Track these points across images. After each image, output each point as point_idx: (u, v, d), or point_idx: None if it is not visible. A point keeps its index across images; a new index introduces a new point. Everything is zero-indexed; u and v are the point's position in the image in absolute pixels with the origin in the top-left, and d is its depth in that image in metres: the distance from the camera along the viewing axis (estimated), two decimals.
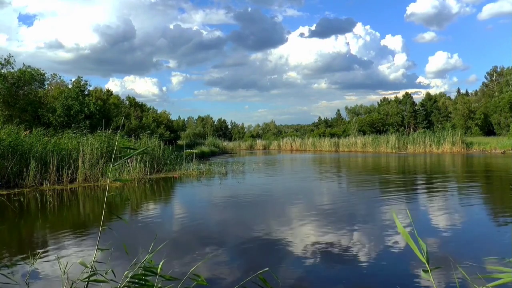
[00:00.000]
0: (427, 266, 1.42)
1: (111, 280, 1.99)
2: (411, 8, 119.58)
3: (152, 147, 19.96)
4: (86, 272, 2.02)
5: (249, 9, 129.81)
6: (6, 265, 5.38)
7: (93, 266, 1.94)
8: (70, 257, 5.54)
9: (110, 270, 2.08)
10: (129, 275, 1.89)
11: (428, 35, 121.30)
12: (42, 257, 5.65)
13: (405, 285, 4.63)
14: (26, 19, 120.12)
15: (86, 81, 27.77)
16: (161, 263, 2.02)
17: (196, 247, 6.30)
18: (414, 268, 5.10)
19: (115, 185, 14.27)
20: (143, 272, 1.89)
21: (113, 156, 2.57)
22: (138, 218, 8.88)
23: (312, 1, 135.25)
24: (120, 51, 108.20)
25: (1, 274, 3.78)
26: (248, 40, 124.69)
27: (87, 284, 1.93)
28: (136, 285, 1.87)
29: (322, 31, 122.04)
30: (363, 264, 5.30)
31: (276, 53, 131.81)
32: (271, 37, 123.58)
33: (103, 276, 1.96)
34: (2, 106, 22.33)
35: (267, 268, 2.15)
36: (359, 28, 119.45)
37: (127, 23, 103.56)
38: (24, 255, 5.75)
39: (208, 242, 6.55)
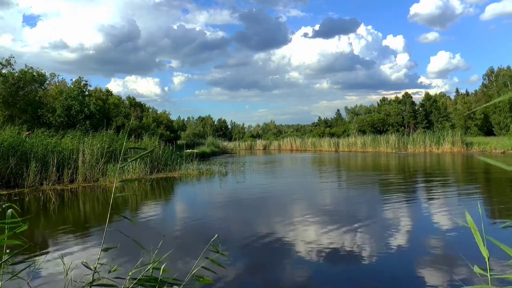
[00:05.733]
0: (486, 261, 1.46)
1: (116, 278, 2.00)
2: (414, 9, 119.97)
3: (153, 147, 19.97)
4: (89, 274, 2.03)
5: (254, 9, 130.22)
6: (8, 265, 5.38)
7: (96, 268, 1.95)
8: (73, 257, 5.56)
9: (114, 270, 2.08)
10: (135, 277, 1.90)
11: (431, 35, 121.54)
12: (45, 257, 5.66)
13: (407, 284, 4.64)
14: (30, 20, 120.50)
15: (86, 81, 27.85)
16: (162, 267, 2.03)
17: (199, 248, 6.31)
18: (417, 268, 5.11)
19: (115, 185, 14.27)
20: (150, 274, 1.90)
21: (121, 156, 2.60)
22: (139, 218, 8.89)
23: (316, 2, 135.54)
24: (123, 51, 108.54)
25: (3, 274, 3.79)
26: (252, 41, 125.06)
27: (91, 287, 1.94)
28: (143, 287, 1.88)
29: (326, 32, 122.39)
30: (366, 264, 5.31)
31: (279, 53, 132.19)
32: (275, 38, 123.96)
33: (109, 279, 1.96)
34: (2, 106, 22.35)
35: (217, 235, 2.22)
36: (361, 28, 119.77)
37: (132, 23, 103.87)
38: (26, 255, 5.75)
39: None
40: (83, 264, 1.95)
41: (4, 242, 1.51)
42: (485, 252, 1.47)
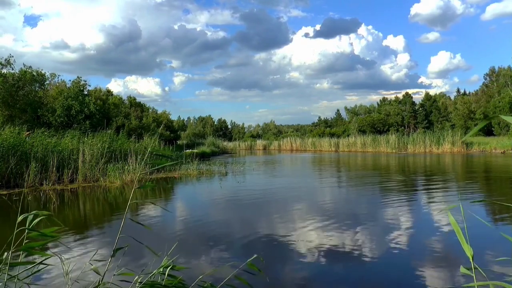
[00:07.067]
0: (471, 262, 1.46)
1: (121, 281, 1.98)
2: (415, 9, 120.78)
3: (152, 148, 20.00)
4: (88, 272, 2.00)
5: (255, 9, 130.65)
6: (7, 265, 5.35)
7: (105, 273, 1.93)
8: (74, 258, 5.53)
9: (121, 274, 2.07)
10: (140, 280, 1.88)
11: (432, 35, 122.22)
12: (45, 258, 5.62)
13: (408, 284, 4.62)
14: (31, 20, 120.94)
15: (85, 81, 27.83)
16: (166, 272, 2.01)
17: (201, 248, 6.30)
18: (418, 268, 5.09)
19: (115, 185, 14.25)
20: (155, 278, 1.88)
21: (145, 159, 2.58)
22: (140, 219, 8.87)
23: (317, 2, 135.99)
24: (124, 51, 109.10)
25: (2, 274, 3.76)
26: (252, 41, 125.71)
27: None
28: None
29: (327, 32, 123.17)
30: (367, 264, 5.29)
31: (279, 53, 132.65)
32: (276, 38, 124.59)
33: (113, 283, 1.94)
34: (2, 107, 22.32)
35: (256, 255, 2.19)
36: (362, 28, 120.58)
37: (133, 23, 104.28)
38: (26, 255, 5.72)
39: (212, 243, 6.54)
40: (93, 270, 1.92)
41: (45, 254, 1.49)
42: (468, 251, 1.47)
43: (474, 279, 1.53)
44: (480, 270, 1.51)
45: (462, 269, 1.63)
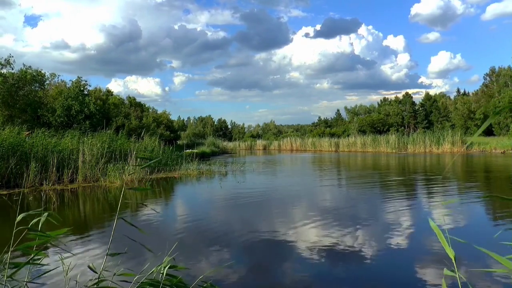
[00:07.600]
0: (454, 264, 1.47)
1: (121, 281, 1.98)
2: (415, 9, 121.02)
3: (152, 147, 20.02)
4: (89, 274, 2.00)
5: (255, 9, 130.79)
6: (7, 265, 5.34)
7: (101, 272, 1.93)
8: (74, 258, 5.53)
9: (120, 274, 2.06)
10: (139, 280, 1.88)
11: (432, 35, 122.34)
12: (44, 258, 5.62)
13: (408, 284, 4.62)
14: (31, 20, 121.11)
15: (86, 81, 27.84)
16: (165, 271, 2.01)
17: (201, 249, 6.30)
18: (417, 268, 5.09)
19: (115, 185, 14.25)
20: (153, 277, 1.88)
21: (131, 160, 2.59)
22: (140, 219, 8.87)
23: (318, 2, 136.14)
24: (124, 51, 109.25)
25: (2, 274, 3.75)
26: (253, 41, 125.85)
27: None
28: None
29: (327, 32, 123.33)
30: (367, 264, 5.29)
31: (280, 53, 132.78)
32: (276, 38, 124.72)
33: (113, 282, 1.94)
34: (1, 107, 22.32)
35: None
36: (362, 28, 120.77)
37: (133, 23, 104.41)
38: (25, 256, 5.72)
39: (212, 243, 6.54)
40: (90, 268, 1.92)
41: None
42: (450, 253, 1.49)
43: (458, 281, 1.54)
44: (458, 276, 1.51)
45: (446, 271, 1.64)
